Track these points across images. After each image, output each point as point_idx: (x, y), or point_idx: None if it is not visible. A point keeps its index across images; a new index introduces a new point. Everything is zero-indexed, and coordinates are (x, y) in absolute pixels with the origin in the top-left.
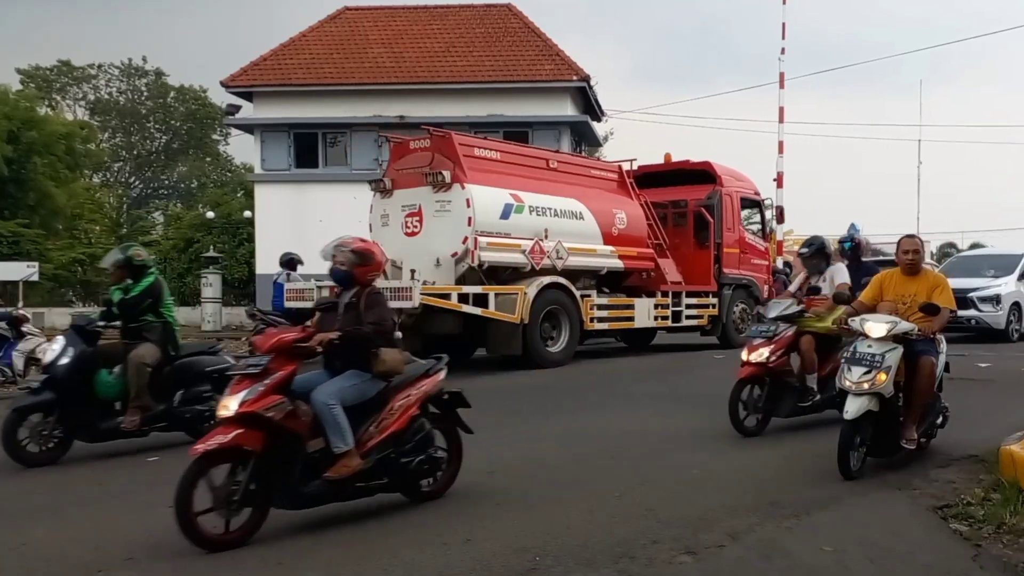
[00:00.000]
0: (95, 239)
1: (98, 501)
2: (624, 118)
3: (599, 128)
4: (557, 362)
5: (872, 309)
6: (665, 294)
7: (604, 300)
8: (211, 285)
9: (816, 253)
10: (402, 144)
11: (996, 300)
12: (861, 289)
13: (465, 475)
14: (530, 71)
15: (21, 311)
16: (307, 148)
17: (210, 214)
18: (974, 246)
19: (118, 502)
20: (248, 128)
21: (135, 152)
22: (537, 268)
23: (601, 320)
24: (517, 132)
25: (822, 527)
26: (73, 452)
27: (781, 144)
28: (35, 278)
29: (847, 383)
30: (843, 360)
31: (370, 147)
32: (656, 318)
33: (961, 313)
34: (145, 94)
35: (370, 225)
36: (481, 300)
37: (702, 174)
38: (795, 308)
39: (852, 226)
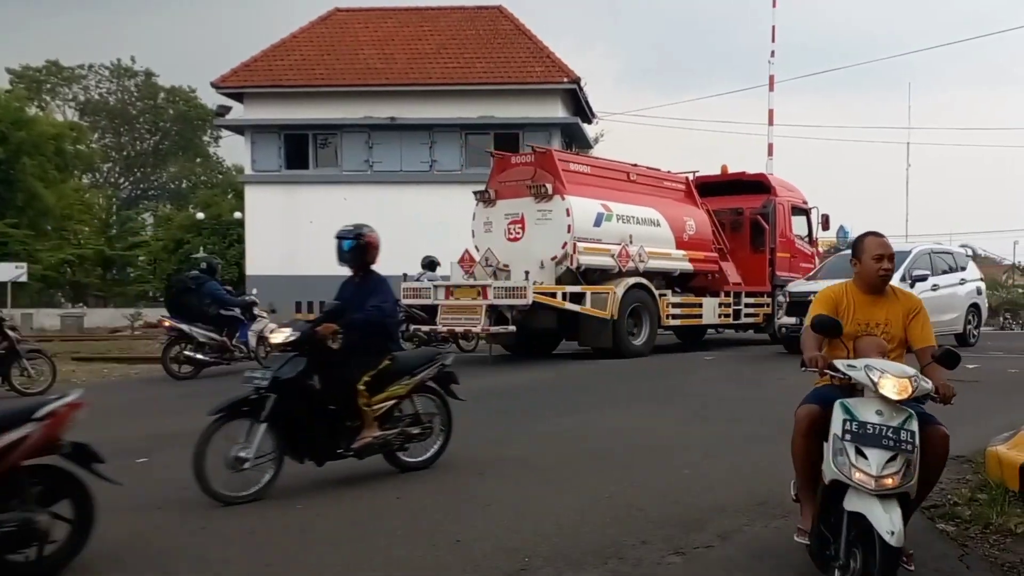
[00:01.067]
0: (84, 240)
1: None
2: (615, 120)
3: (590, 130)
4: (639, 353)
5: (820, 344)
6: (727, 294)
7: (678, 299)
8: None
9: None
10: (504, 159)
11: None
12: (349, 308)
13: (455, 476)
14: (521, 73)
15: (253, 296)
16: (297, 149)
17: (200, 215)
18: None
19: (107, 504)
20: (238, 129)
21: (125, 153)
22: (623, 270)
23: (675, 317)
24: (508, 134)
25: None
26: None
27: (771, 147)
28: (23, 279)
29: (859, 476)
30: (843, 438)
31: (360, 148)
32: (720, 316)
33: None
34: (135, 95)
35: (472, 231)
36: (577, 298)
37: (756, 184)
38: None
39: (841, 228)
